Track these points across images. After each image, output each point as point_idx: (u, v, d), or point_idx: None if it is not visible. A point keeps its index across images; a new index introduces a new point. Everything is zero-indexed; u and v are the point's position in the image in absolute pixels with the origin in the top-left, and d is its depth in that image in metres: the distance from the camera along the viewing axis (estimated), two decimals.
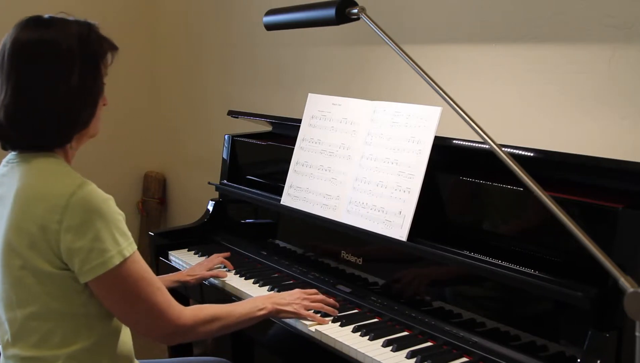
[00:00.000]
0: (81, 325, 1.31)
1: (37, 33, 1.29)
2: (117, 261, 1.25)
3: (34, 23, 1.31)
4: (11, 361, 1.34)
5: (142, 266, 1.30)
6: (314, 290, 1.69)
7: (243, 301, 1.52)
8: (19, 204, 1.27)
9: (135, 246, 1.30)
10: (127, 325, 1.37)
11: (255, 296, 1.61)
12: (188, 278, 1.89)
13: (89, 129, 1.37)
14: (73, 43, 1.29)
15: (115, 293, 1.28)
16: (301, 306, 1.60)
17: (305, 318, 1.59)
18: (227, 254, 2.04)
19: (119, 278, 1.27)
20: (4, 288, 1.32)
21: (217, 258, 2.00)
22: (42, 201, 1.25)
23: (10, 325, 1.32)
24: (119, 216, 1.29)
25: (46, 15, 1.34)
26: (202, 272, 1.92)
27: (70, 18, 1.35)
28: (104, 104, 1.39)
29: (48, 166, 1.31)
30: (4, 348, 1.36)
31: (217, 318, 1.42)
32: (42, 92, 1.28)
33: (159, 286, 1.32)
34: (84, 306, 1.30)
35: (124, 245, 1.27)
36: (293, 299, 1.61)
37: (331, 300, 1.67)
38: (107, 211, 1.25)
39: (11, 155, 1.37)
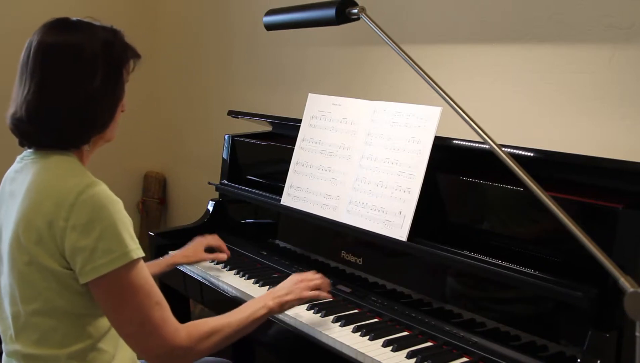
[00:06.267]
0: (84, 325, 1.30)
1: (63, 36, 1.31)
2: (120, 263, 1.22)
3: (61, 25, 1.33)
4: (13, 358, 1.34)
5: (143, 276, 1.27)
6: (311, 273, 1.64)
7: (241, 306, 1.46)
8: (29, 198, 1.28)
9: (142, 253, 1.27)
10: (121, 336, 1.31)
11: (253, 298, 1.56)
12: (184, 261, 1.87)
13: (106, 133, 1.39)
14: (97, 48, 1.31)
15: (111, 298, 1.25)
16: (301, 289, 1.55)
17: (310, 300, 1.58)
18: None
19: (117, 282, 1.23)
20: (9, 282, 1.31)
21: (216, 241, 2.00)
22: (52, 197, 1.25)
23: (14, 320, 1.32)
24: (127, 220, 1.27)
25: (73, 19, 1.36)
26: (201, 254, 1.90)
27: (97, 23, 1.37)
28: (122, 110, 1.41)
29: (62, 164, 1.32)
30: (7, 343, 1.36)
31: (215, 331, 1.35)
32: (64, 92, 1.29)
33: (157, 300, 1.27)
34: (86, 308, 1.29)
35: (132, 247, 1.25)
36: (292, 285, 1.56)
37: (327, 280, 1.63)
38: (114, 213, 1.24)
39: (27, 152, 1.38)
